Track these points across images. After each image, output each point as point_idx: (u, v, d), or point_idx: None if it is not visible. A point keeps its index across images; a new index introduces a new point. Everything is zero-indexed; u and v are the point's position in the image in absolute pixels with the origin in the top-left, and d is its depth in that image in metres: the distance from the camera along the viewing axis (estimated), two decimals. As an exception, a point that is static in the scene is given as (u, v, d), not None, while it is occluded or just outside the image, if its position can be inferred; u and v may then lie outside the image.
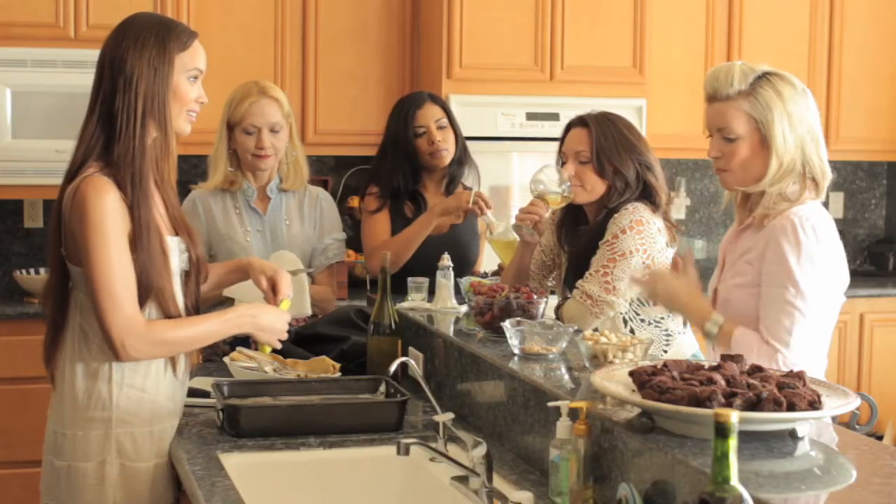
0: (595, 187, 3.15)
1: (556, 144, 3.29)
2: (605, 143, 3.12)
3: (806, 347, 2.49)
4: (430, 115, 3.71)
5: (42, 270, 4.70)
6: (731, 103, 2.52)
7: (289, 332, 3.37)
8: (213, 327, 2.50)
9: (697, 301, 2.60)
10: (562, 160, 3.19)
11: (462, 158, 3.78)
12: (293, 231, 3.53)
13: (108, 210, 2.36)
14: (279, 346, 2.65)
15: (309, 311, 3.35)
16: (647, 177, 3.15)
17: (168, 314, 2.46)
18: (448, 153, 3.71)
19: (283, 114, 3.47)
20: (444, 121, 3.72)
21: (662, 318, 3.15)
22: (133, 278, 2.38)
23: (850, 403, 1.88)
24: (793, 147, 2.51)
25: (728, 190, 2.66)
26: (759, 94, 2.51)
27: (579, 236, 3.21)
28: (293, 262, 3.37)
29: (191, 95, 2.49)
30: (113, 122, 2.42)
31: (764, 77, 2.53)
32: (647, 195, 3.15)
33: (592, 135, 3.13)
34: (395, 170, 3.70)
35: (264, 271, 2.71)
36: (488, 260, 3.91)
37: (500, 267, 3.61)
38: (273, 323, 2.59)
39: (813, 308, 2.48)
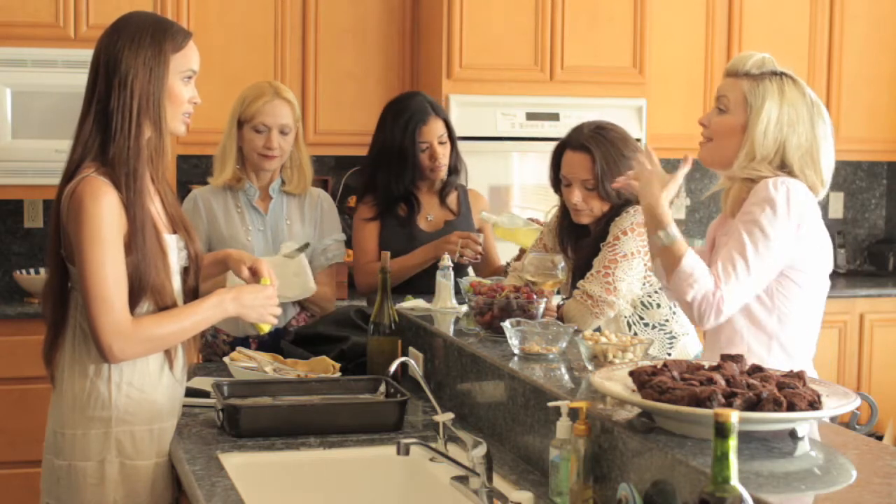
0: (601, 209, 3.15)
1: (555, 144, 3.28)
2: (608, 168, 3.09)
3: (748, 289, 2.49)
4: (434, 131, 3.69)
5: (42, 270, 4.70)
6: (736, 80, 2.61)
7: (289, 331, 3.40)
8: (199, 317, 2.49)
9: (663, 204, 2.54)
10: (563, 182, 3.18)
11: (457, 166, 3.78)
12: (294, 231, 3.53)
13: (103, 213, 2.36)
14: (275, 321, 2.63)
15: (314, 288, 3.34)
16: None
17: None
18: (445, 167, 3.73)
19: (293, 117, 3.48)
20: (445, 135, 3.72)
21: (667, 321, 3.16)
22: (125, 282, 2.38)
23: (850, 403, 1.88)
24: (771, 144, 2.55)
25: (704, 165, 2.72)
26: (762, 83, 2.58)
27: (582, 247, 3.21)
28: (289, 246, 3.38)
29: (185, 96, 2.49)
30: (108, 122, 2.42)
31: (778, 74, 2.58)
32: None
33: (596, 162, 3.10)
34: (397, 180, 3.69)
35: (243, 260, 2.71)
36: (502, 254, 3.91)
37: (522, 251, 3.60)
38: (256, 299, 2.57)
39: (773, 255, 2.49)
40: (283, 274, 3.22)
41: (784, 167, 2.56)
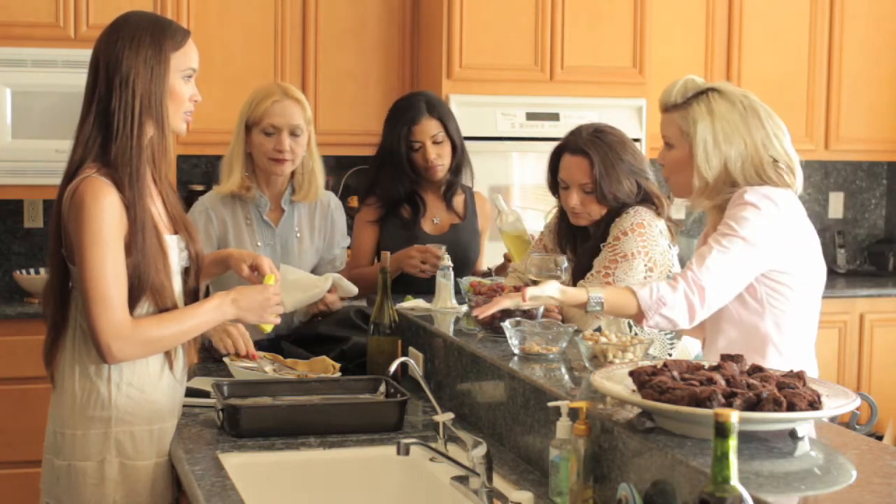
0: (599, 213, 3.15)
1: (555, 144, 3.28)
2: (606, 172, 3.09)
3: (723, 280, 2.48)
4: (426, 130, 3.63)
5: (42, 270, 4.70)
6: (669, 115, 2.66)
7: (289, 334, 3.39)
8: (198, 319, 2.49)
9: (570, 292, 2.51)
10: (561, 186, 3.18)
11: (460, 165, 3.72)
12: (304, 245, 3.46)
13: (104, 213, 2.35)
14: (277, 321, 2.61)
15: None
16: (647, 186, 3.16)
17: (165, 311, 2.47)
18: (443, 167, 3.66)
19: (304, 118, 3.36)
20: (441, 135, 3.63)
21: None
22: (125, 282, 2.38)
23: (850, 403, 1.88)
24: (716, 164, 2.59)
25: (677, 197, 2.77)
26: (691, 108, 2.61)
27: (583, 249, 3.21)
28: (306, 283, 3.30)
29: (186, 94, 2.49)
30: (109, 123, 2.41)
31: (704, 93, 2.62)
32: (648, 199, 3.16)
33: (595, 166, 3.10)
34: (395, 182, 3.67)
35: (244, 259, 2.70)
36: (489, 258, 3.90)
37: (506, 257, 3.60)
38: (254, 301, 2.56)
39: (749, 244, 2.48)
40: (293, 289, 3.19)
41: (733, 182, 2.57)
